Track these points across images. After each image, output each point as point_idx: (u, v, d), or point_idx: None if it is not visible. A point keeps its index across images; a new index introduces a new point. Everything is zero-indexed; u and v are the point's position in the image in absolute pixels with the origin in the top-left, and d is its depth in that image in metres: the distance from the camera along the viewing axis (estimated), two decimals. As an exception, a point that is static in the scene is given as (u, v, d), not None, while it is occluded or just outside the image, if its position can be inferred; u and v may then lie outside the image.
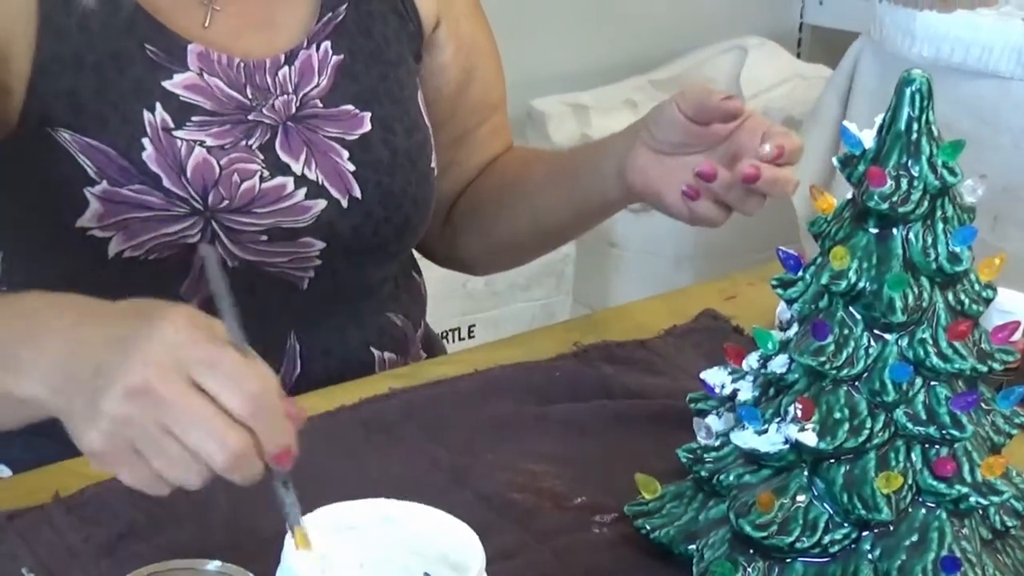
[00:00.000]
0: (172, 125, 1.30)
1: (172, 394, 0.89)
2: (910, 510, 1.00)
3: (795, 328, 1.05)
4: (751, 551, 1.02)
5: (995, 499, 1.00)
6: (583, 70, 3.59)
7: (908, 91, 0.99)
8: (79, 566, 1.06)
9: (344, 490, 0.98)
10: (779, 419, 1.02)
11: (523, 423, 1.27)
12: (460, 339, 2.94)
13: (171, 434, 0.89)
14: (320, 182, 1.35)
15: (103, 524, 1.10)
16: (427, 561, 0.93)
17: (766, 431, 1.03)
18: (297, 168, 1.35)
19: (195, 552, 1.04)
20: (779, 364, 1.05)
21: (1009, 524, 1.04)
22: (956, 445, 1.01)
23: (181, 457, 0.90)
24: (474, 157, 1.58)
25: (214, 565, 0.95)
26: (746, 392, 1.08)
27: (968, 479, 1.00)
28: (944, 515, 1.00)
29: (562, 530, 1.12)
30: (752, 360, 1.08)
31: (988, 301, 1.03)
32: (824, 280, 1.01)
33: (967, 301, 1.02)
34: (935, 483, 1.00)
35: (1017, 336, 1.05)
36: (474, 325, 2.97)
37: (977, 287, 1.03)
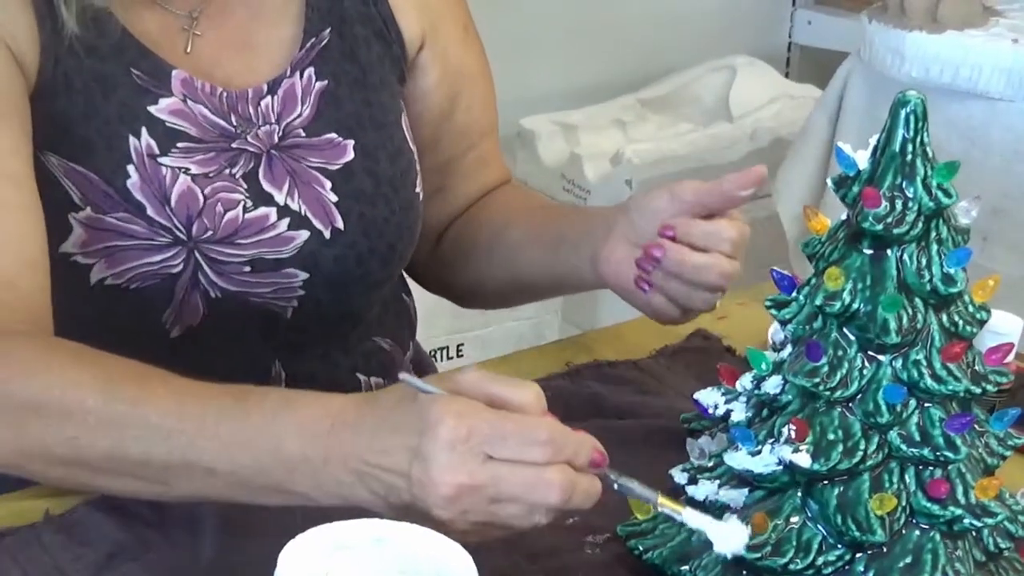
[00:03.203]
0: (157, 151, 1.29)
1: (485, 479, 0.98)
2: (904, 532, 1.00)
3: (789, 349, 1.05)
4: (744, 573, 1.02)
5: (989, 521, 1.00)
6: (572, 89, 3.60)
7: (903, 112, 0.99)
8: (69, 586, 1.06)
9: (336, 510, 0.98)
10: (773, 440, 1.02)
11: (515, 443, 1.27)
12: (449, 358, 2.94)
13: (504, 502, 0.99)
14: (303, 213, 1.34)
15: (93, 544, 1.09)
16: (420, 582, 0.93)
17: (759, 452, 1.03)
18: (280, 198, 1.34)
19: (186, 572, 1.03)
20: (773, 385, 1.05)
21: (1003, 546, 1.04)
22: (950, 467, 1.01)
23: (523, 511, 0.99)
24: (462, 185, 1.56)
25: (205, 585, 0.95)
26: (739, 413, 1.08)
27: (962, 501, 1.00)
28: (938, 537, 1.00)
29: (554, 550, 1.12)
30: (745, 381, 1.08)
31: (982, 323, 1.03)
32: (818, 301, 1.01)
33: (961, 323, 1.02)
34: (929, 505, 1.00)
35: (1010, 358, 1.05)
36: (463, 344, 2.96)
37: (971, 309, 1.03)
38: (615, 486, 1.04)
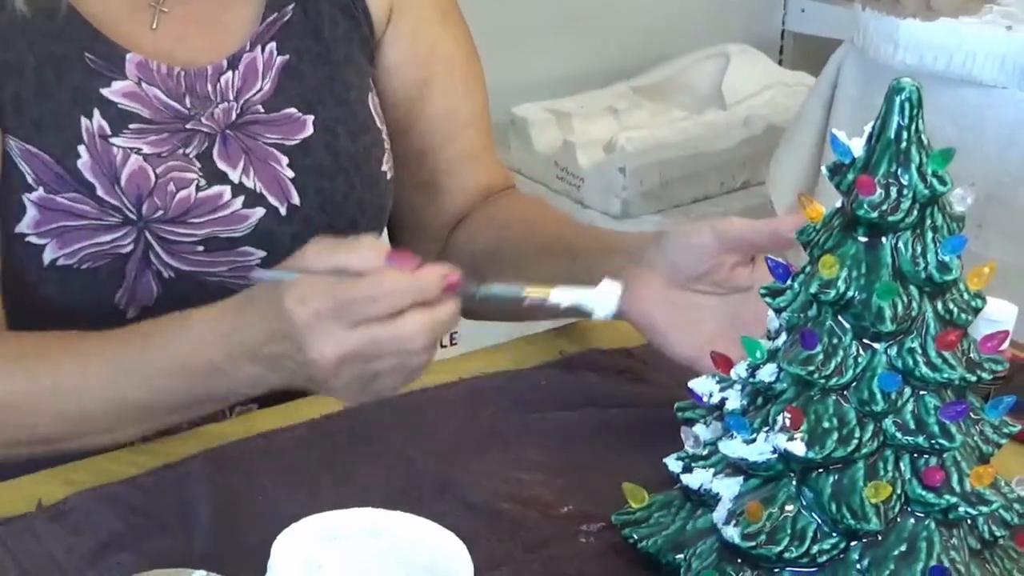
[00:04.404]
0: (109, 132, 1.30)
1: (351, 345, 1.07)
2: (899, 520, 1.00)
3: (783, 337, 1.05)
4: (739, 561, 1.01)
5: (984, 509, 1.00)
6: (565, 76, 3.59)
7: (898, 99, 0.99)
8: (63, 576, 1.05)
9: (329, 499, 0.98)
10: (767, 428, 1.02)
11: (509, 432, 1.27)
12: (443, 346, 2.92)
13: (381, 358, 1.08)
14: (258, 190, 1.34)
15: (86, 533, 1.09)
16: (414, 571, 0.92)
17: (754, 440, 1.02)
18: (235, 176, 1.34)
19: (179, 561, 1.03)
20: (768, 373, 1.04)
21: (998, 534, 1.04)
22: (945, 455, 1.00)
23: (400, 360, 1.10)
24: (450, 179, 1.53)
25: (199, 574, 0.94)
26: (734, 401, 1.07)
27: (957, 489, 1.00)
28: (933, 525, 1.00)
29: (549, 539, 1.12)
30: (740, 369, 1.07)
31: (977, 310, 1.03)
32: (813, 289, 1.00)
33: (956, 310, 1.01)
34: (924, 493, 0.99)
35: (1005, 345, 1.05)
36: (456, 332, 2.95)
37: (966, 296, 1.02)
38: (476, 296, 1.11)
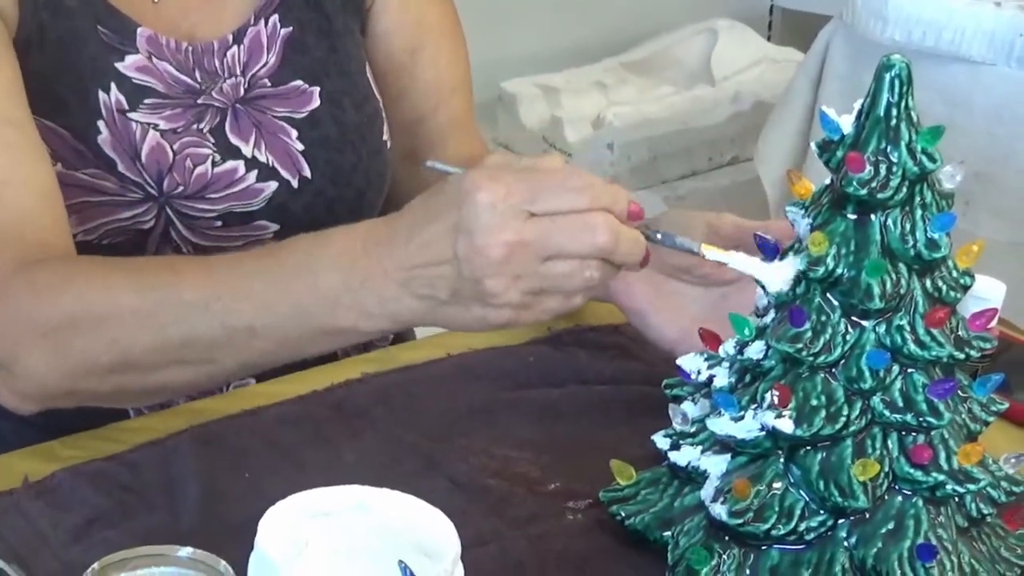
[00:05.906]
0: (127, 106, 1.30)
1: (530, 235, 0.99)
2: (886, 497, 1.00)
3: (772, 314, 1.05)
4: (726, 538, 1.02)
5: (971, 487, 1.00)
6: (554, 51, 3.59)
7: (887, 76, 0.98)
8: (49, 552, 1.05)
9: (316, 476, 0.98)
10: (755, 406, 1.01)
11: (497, 408, 1.27)
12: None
13: (552, 259, 1.00)
14: (270, 163, 1.35)
15: (72, 510, 1.09)
16: (401, 548, 0.92)
17: (742, 418, 1.02)
18: (247, 151, 1.34)
19: (165, 538, 1.03)
20: (756, 350, 1.04)
21: (985, 512, 1.04)
22: (933, 432, 1.00)
23: (573, 266, 1.00)
24: (434, 148, 1.53)
25: (185, 551, 0.94)
26: (722, 378, 1.07)
27: (944, 467, 1.00)
28: (920, 503, 1.00)
29: (536, 516, 1.12)
30: (728, 346, 1.07)
31: (966, 288, 1.03)
32: (802, 266, 1.00)
33: (945, 288, 1.01)
34: (911, 471, 0.99)
35: (994, 323, 1.05)
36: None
37: (955, 274, 1.02)
38: (657, 236, 1.05)
